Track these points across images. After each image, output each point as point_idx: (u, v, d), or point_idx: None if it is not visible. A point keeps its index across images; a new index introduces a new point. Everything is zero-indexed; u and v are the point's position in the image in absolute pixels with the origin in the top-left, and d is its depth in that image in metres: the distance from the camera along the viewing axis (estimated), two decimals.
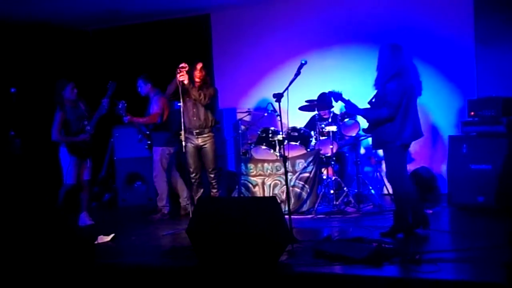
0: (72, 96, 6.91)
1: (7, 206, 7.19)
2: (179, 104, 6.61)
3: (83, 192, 7.04)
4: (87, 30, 10.50)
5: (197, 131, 6.68)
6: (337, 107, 7.64)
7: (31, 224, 6.52)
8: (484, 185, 6.49)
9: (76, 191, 7.03)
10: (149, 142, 7.54)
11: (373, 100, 5.41)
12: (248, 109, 8.24)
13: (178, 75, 6.31)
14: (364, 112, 5.54)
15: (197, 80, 6.61)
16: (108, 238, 5.98)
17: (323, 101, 7.35)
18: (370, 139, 6.76)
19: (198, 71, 6.60)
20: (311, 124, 7.76)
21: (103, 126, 8.56)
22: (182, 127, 6.42)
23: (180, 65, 6.35)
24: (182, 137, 6.49)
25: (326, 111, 7.62)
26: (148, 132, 7.52)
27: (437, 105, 8.07)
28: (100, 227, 6.76)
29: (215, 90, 6.74)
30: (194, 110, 6.65)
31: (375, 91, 5.37)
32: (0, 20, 8.89)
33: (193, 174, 6.78)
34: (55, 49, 9.69)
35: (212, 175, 6.78)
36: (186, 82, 6.37)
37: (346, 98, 5.64)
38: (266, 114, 7.67)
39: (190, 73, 6.50)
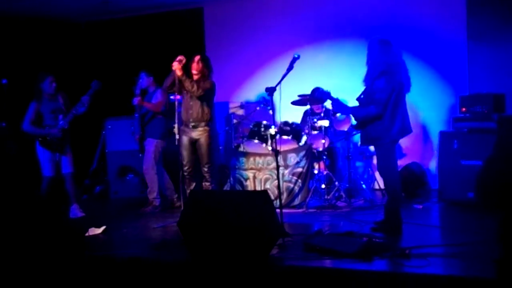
0: (50, 90, 6.93)
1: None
2: (171, 97, 6.60)
3: (67, 184, 7.04)
4: (80, 22, 10.45)
5: (193, 124, 6.65)
6: (329, 102, 7.66)
7: (21, 216, 6.51)
8: (474, 181, 6.50)
9: (61, 183, 7.04)
10: (141, 133, 7.49)
11: (362, 96, 5.40)
12: (241, 102, 8.23)
13: (172, 66, 6.32)
14: (352, 111, 5.53)
15: (194, 72, 6.58)
16: (99, 230, 5.98)
17: (314, 100, 7.35)
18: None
19: (195, 63, 6.57)
20: (305, 119, 7.78)
21: (95, 119, 8.56)
22: (176, 120, 6.41)
23: (177, 58, 6.34)
24: (176, 130, 6.48)
25: (319, 105, 7.63)
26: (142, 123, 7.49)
27: (428, 101, 8.10)
28: (91, 219, 6.75)
29: (212, 83, 6.68)
30: (191, 103, 6.61)
31: (365, 87, 5.38)
32: None
33: (186, 167, 6.75)
34: (47, 41, 9.64)
35: (205, 169, 6.75)
36: (179, 73, 6.35)
37: (335, 97, 5.62)
38: (258, 108, 7.67)
39: (187, 66, 6.49)
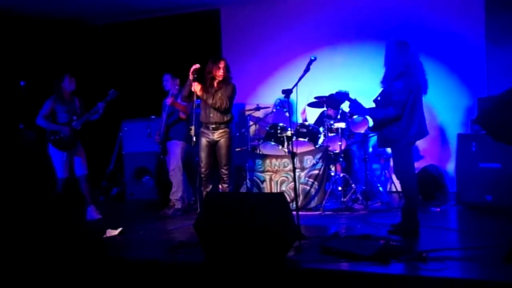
0: (71, 87, 7.01)
1: (16, 200, 7.26)
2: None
3: (82, 186, 7.08)
4: (97, 24, 10.52)
5: (214, 126, 6.64)
6: (346, 104, 7.64)
7: (38, 217, 6.58)
8: (493, 184, 6.47)
9: (77, 185, 7.08)
10: (163, 134, 7.51)
11: (379, 98, 5.38)
12: (257, 104, 8.24)
13: (190, 77, 6.35)
14: (370, 112, 5.50)
15: (219, 78, 6.59)
16: (116, 232, 6.00)
17: (332, 101, 7.33)
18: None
19: (221, 71, 6.55)
20: (320, 120, 7.76)
21: (112, 120, 8.61)
22: (193, 122, 6.44)
23: (193, 68, 6.36)
24: (192, 132, 6.50)
25: (334, 110, 7.62)
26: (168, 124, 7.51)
27: (446, 103, 8.05)
28: (108, 221, 6.79)
29: (234, 88, 6.66)
30: (209, 105, 6.62)
31: (382, 88, 5.35)
32: (12, 15, 8.93)
33: (203, 169, 6.74)
34: (65, 43, 9.73)
35: (224, 170, 6.72)
36: (199, 94, 6.42)
37: (353, 98, 5.60)
38: (275, 110, 7.67)
39: (203, 70, 6.50)
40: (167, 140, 7.42)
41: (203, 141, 6.67)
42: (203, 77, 6.61)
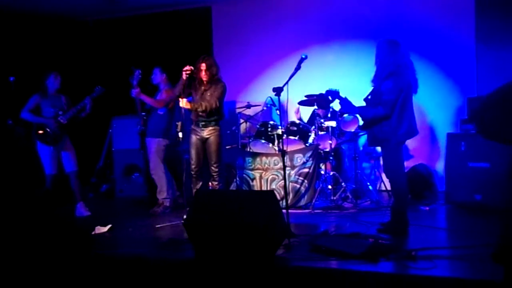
0: (55, 85, 7.00)
1: (5, 198, 7.22)
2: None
3: (72, 183, 7.06)
4: (87, 20, 10.47)
5: (203, 123, 6.62)
6: (336, 103, 7.65)
7: (26, 215, 6.54)
8: (481, 183, 6.50)
9: (67, 182, 7.05)
10: (143, 128, 7.46)
11: (369, 97, 5.40)
12: (248, 102, 8.23)
13: (183, 77, 6.31)
14: (359, 111, 5.52)
15: (204, 79, 6.56)
16: (105, 229, 5.99)
17: (322, 100, 7.33)
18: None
19: (203, 72, 6.50)
20: (313, 118, 7.77)
21: (102, 117, 8.58)
22: (179, 118, 6.42)
23: (184, 68, 6.32)
24: (179, 128, 6.47)
25: (324, 110, 7.63)
26: (145, 118, 7.46)
27: (436, 103, 8.08)
28: (97, 217, 6.77)
29: (223, 86, 6.60)
30: (201, 102, 6.59)
31: (372, 87, 5.36)
32: (1, 10, 8.87)
33: (193, 166, 6.71)
34: (55, 39, 9.67)
35: (214, 168, 6.70)
36: (188, 107, 6.37)
37: (343, 96, 5.60)
38: (265, 108, 7.67)
39: (194, 75, 6.47)
40: (144, 136, 7.37)
41: (193, 138, 6.65)
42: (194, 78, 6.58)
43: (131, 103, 7.50)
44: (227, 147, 8.01)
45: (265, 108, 7.72)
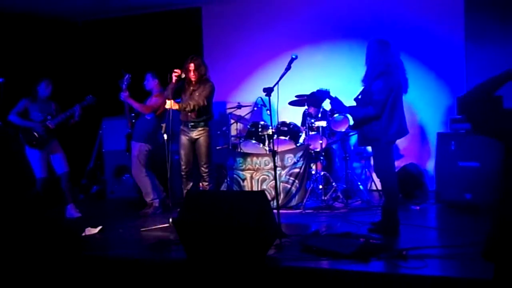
0: (45, 92, 6.98)
1: None
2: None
3: (62, 184, 7.03)
4: (77, 21, 10.42)
5: (192, 124, 6.62)
6: (327, 102, 7.65)
7: (16, 217, 6.50)
8: (472, 182, 6.52)
9: (57, 184, 7.02)
10: (130, 131, 7.44)
11: (359, 96, 5.40)
12: (238, 103, 8.22)
13: (173, 80, 6.29)
14: (350, 111, 5.52)
15: (193, 79, 6.55)
16: (96, 230, 5.97)
17: (313, 100, 7.34)
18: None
19: (192, 72, 6.50)
20: (303, 119, 7.78)
21: (92, 118, 8.53)
22: (165, 120, 6.41)
23: (174, 71, 6.31)
24: (163, 130, 6.46)
25: (315, 109, 7.64)
26: (133, 121, 7.43)
27: (426, 102, 8.11)
28: (88, 219, 6.74)
29: (212, 87, 6.60)
30: (189, 102, 6.57)
31: (363, 87, 5.37)
32: None
33: (184, 167, 6.72)
34: (44, 40, 9.62)
35: (204, 168, 6.70)
36: (176, 107, 6.34)
37: (334, 96, 5.60)
38: (256, 108, 7.66)
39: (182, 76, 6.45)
40: (130, 139, 7.36)
41: (183, 139, 6.65)
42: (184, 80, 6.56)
43: (121, 104, 7.47)
44: (217, 147, 8.00)
45: (255, 108, 7.72)
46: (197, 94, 6.50)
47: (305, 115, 7.58)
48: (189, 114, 6.55)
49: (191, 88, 6.55)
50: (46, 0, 8.80)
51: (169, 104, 6.30)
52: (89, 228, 5.97)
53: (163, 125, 6.49)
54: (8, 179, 7.42)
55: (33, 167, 6.82)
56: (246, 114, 8.18)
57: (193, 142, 6.67)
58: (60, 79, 7.37)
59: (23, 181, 7.29)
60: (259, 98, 7.43)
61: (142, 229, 6.11)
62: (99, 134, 9.29)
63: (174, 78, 6.28)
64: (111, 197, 8.87)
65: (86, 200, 8.85)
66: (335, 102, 5.53)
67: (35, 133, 6.80)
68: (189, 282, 4.40)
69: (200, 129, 6.62)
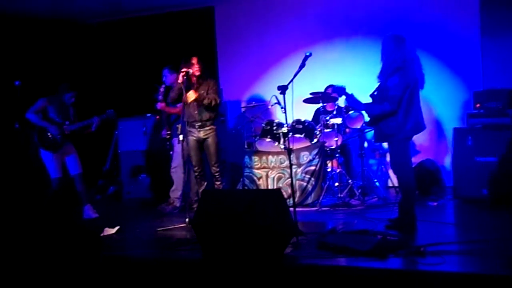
0: (70, 101, 7.01)
1: (13, 201, 7.24)
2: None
3: (77, 186, 7.05)
4: (92, 23, 10.49)
5: (199, 124, 6.64)
6: (342, 99, 7.62)
7: (35, 216, 6.56)
8: (488, 178, 6.47)
9: (72, 185, 7.07)
10: (169, 132, 7.51)
11: (375, 93, 5.38)
12: (253, 101, 8.23)
13: (180, 80, 6.32)
14: (365, 107, 5.50)
15: (196, 73, 6.56)
16: (113, 230, 5.99)
17: (329, 93, 7.33)
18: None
19: (195, 65, 6.52)
20: (316, 117, 7.76)
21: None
22: (182, 122, 6.44)
23: (181, 71, 6.36)
24: (178, 131, 6.49)
25: (331, 103, 7.62)
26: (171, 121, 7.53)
27: (442, 97, 8.06)
28: (105, 219, 6.78)
29: (217, 85, 6.68)
30: (195, 103, 6.59)
31: (378, 83, 5.34)
32: (6, 14, 8.90)
33: (196, 168, 6.76)
34: (60, 42, 9.69)
35: (215, 168, 6.74)
36: (195, 97, 6.40)
37: (349, 93, 5.58)
38: (270, 107, 7.65)
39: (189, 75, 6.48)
40: (171, 138, 7.40)
41: (191, 139, 6.67)
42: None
43: (136, 104, 7.52)
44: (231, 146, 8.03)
45: (270, 106, 7.70)
46: (202, 91, 6.53)
47: (320, 112, 7.56)
48: (195, 113, 6.56)
49: (195, 85, 6.57)
50: (62, 3, 8.86)
51: (192, 94, 6.36)
52: (106, 229, 6.00)
53: (179, 126, 6.51)
54: (23, 180, 7.50)
55: (48, 167, 6.88)
56: (261, 113, 8.18)
57: (201, 142, 6.69)
58: (76, 80, 7.40)
59: (38, 182, 7.37)
60: (274, 96, 7.41)
61: (159, 229, 6.12)
62: (115, 135, 9.34)
63: (181, 78, 6.29)
64: (128, 198, 8.92)
65: (103, 200, 8.91)
66: (351, 99, 5.51)
67: (50, 135, 6.83)
68: (206, 282, 4.40)
69: (207, 128, 6.66)
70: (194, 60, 6.55)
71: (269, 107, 7.72)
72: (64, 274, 4.36)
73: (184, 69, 6.34)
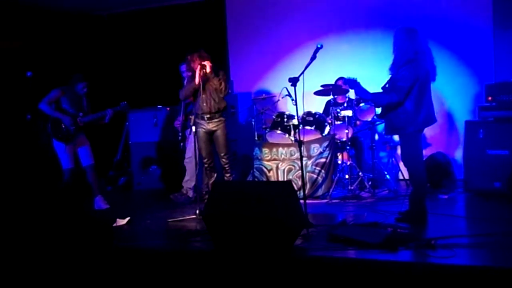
0: (83, 91, 7.05)
1: (24, 191, 7.30)
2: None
3: (89, 176, 7.09)
4: (102, 14, 10.51)
5: (208, 116, 6.65)
6: (353, 92, 7.60)
7: (47, 207, 6.60)
8: (501, 170, 6.44)
9: (84, 176, 7.11)
10: (183, 121, 7.51)
11: (387, 85, 5.35)
12: (264, 93, 8.22)
13: (199, 71, 6.36)
14: (373, 97, 5.48)
15: (209, 71, 6.55)
16: (124, 221, 6.03)
17: (340, 86, 7.32)
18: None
19: (208, 66, 6.49)
20: (327, 109, 7.74)
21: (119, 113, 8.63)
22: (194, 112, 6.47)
23: (201, 71, 6.40)
24: (192, 122, 6.51)
25: (342, 95, 7.60)
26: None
27: (454, 90, 8.01)
28: (116, 210, 6.82)
29: (224, 72, 6.73)
30: (204, 96, 6.58)
31: (390, 75, 5.32)
32: (17, 5, 8.93)
33: (206, 159, 6.77)
34: (71, 34, 9.72)
35: (224, 160, 6.76)
36: (208, 70, 6.42)
37: (357, 81, 5.56)
38: (281, 98, 7.65)
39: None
40: (185, 129, 7.40)
41: (200, 131, 6.68)
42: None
43: (146, 96, 7.53)
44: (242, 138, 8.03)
45: (281, 98, 7.69)
46: (215, 82, 6.57)
47: (330, 104, 7.54)
48: (204, 105, 6.58)
49: (208, 80, 6.60)
50: None
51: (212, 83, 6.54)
52: (117, 220, 6.04)
53: (192, 117, 6.53)
54: (35, 171, 7.55)
55: (60, 158, 6.92)
56: (272, 105, 8.17)
57: (211, 134, 6.71)
58: (88, 72, 7.43)
59: (50, 173, 7.41)
60: (285, 88, 7.41)
61: (169, 220, 6.15)
62: (125, 126, 9.38)
63: (199, 77, 6.36)
64: (138, 189, 8.96)
65: (113, 191, 8.95)
66: (358, 88, 5.48)
67: (63, 126, 6.86)
68: (217, 273, 4.42)
69: (216, 120, 6.67)
70: (205, 55, 6.53)
71: (280, 99, 7.71)
72: (76, 264, 4.39)
73: (199, 67, 6.38)
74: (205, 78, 6.48)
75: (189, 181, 7.31)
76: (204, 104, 6.61)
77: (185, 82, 7.13)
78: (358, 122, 7.67)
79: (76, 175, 7.01)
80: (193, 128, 6.41)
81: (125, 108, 7.21)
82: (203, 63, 6.39)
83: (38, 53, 8.94)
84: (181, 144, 7.47)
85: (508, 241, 4.45)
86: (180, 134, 7.36)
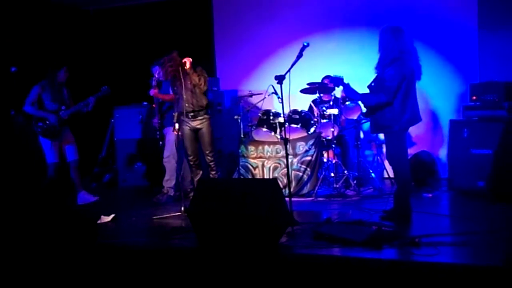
0: (63, 79, 7.03)
1: (7, 187, 7.24)
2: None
3: (71, 172, 7.10)
4: (88, 9, 10.44)
5: (192, 114, 6.62)
6: (339, 90, 7.62)
7: (30, 203, 6.55)
8: (484, 169, 6.48)
9: (67, 171, 7.10)
10: (160, 121, 7.50)
11: (372, 84, 5.38)
12: (250, 91, 8.21)
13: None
14: (361, 97, 5.51)
15: (189, 66, 6.53)
16: (109, 218, 6.00)
17: (326, 84, 7.33)
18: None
19: (188, 64, 6.46)
20: (311, 108, 7.77)
21: (104, 107, 8.58)
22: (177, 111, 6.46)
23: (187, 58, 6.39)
24: (175, 119, 6.49)
25: (328, 94, 7.61)
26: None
27: (438, 89, 8.05)
28: (101, 207, 6.78)
29: (205, 72, 6.70)
30: (185, 94, 6.54)
31: (376, 74, 5.34)
32: None
33: (191, 157, 6.76)
34: (56, 28, 9.62)
35: (209, 157, 6.75)
36: (188, 66, 6.38)
37: (346, 82, 5.59)
38: (267, 96, 7.64)
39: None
40: (163, 128, 7.38)
41: (185, 129, 6.66)
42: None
43: (132, 93, 7.50)
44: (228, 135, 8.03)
45: (267, 96, 7.69)
46: (194, 78, 6.52)
47: (316, 103, 7.55)
48: (186, 105, 6.53)
49: (186, 77, 6.56)
50: None
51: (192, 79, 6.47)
52: (102, 216, 6.01)
53: (175, 114, 6.51)
54: (20, 167, 7.49)
55: (46, 153, 6.91)
56: (258, 102, 8.16)
57: (195, 131, 6.69)
58: (72, 66, 7.37)
59: (34, 169, 7.37)
60: (271, 86, 7.41)
61: (154, 217, 6.14)
62: (111, 122, 9.32)
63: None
64: (123, 186, 8.92)
65: (98, 188, 8.90)
66: (348, 89, 5.51)
67: (48, 122, 6.84)
68: (201, 270, 4.42)
69: (200, 118, 6.65)
70: (187, 58, 6.49)
71: (266, 96, 7.70)
72: (59, 261, 4.37)
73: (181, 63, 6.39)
74: (184, 74, 6.44)
75: (169, 181, 7.28)
76: (186, 104, 6.56)
77: (153, 84, 7.18)
78: (343, 117, 7.66)
79: (61, 170, 6.99)
80: (176, 126, 6.39)
81: (107, 92, 7.18)
82: (183, 60, 6.37)
83: (22, 48, 8.84)
84: (160, 142, 7.45)
85: (490, 240, 4.49)
86: (158, 133, 7.36)
